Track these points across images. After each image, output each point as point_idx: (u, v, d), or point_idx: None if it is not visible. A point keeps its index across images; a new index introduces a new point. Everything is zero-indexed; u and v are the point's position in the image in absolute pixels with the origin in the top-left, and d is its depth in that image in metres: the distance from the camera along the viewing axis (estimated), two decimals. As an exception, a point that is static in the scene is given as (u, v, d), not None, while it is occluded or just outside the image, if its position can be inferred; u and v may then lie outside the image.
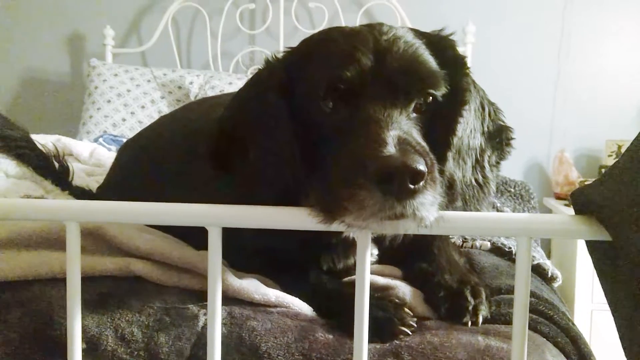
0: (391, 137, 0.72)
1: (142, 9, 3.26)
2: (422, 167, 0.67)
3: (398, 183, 0.66)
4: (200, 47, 3.21)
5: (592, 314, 2.40)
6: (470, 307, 0.91)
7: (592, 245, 0.70)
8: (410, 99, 0.82)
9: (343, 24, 3.00)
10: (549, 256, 2.85)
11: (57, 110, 3.32)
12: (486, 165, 0.92)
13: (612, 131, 2.92)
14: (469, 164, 0.89)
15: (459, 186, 0.86)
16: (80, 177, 1.63)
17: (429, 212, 0.69)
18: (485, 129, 0.93)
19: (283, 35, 3.07)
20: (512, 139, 0.97)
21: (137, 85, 2.89)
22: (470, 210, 0.88)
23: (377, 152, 0.69)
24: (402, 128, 0.77)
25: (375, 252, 1.08)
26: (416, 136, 0.79)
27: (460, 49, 3.02)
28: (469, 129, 0.89)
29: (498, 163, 0.96)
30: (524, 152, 3.04)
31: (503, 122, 0.98)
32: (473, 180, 0.89)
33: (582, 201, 0.68)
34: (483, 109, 0.93)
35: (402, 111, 0.80)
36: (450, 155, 0.85)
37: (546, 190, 3.06)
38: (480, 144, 0.92)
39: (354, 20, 3.03)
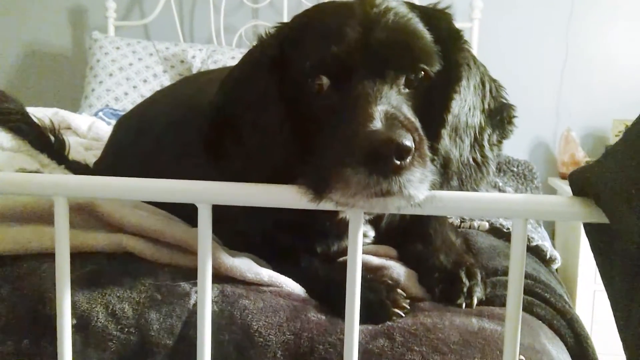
0: (378, 112, 0.70)
1: (144, -19, 3.22)
2: (408, 142, 0.64)
3: (383, 159, 0.64)
4: (203, 21, 3.17)
5: (594, 294, 2.39)
6: (465, 289, 0.89)
7: (589, 226, 0.68)
8: (401, 74, 0.79)
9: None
10: (552, 236, 2.84)
11: (59, 84, 3.30)
12: (486, 144, 0.89)
13: (620, 110, 2.88)
14: (467, 143, 0.86)
15: (455, 165, 0.84)
16: (77, 151, 1.62)
17: (417, 190, 0.67)
18: (486, 106, 0.90)
19: (287, 8, 3.03)
20: (514, 117, 0.93)
21: (139, 58, 2.87)
22: (467, 190, 0.85)
23: (363, 127, 0.67)
24: (390, 103, 0.74)
25: (372, 234, 1.06)
26: (406, 111, 0.76)
27: (467, 25, 2.98)
28: (466, 106, 0.86)
29: (500, 142, 0.92)
30: (530, 130, 3.01)
31: (505, 99, 0.94)
32: (471, 160, 0.86)
33: (580, 182, 0.66)
34: (483, 86, 0.90)
35: (393, 86, 0.78)
36: (445, 132, 0.82)
37: (552, 170, 3.03)
38: (480, 122, 0.88)
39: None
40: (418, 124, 0.76)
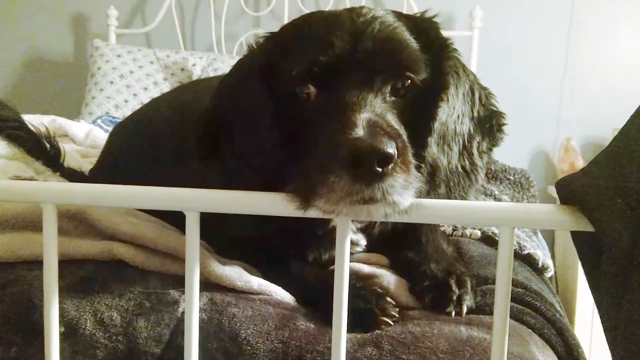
0: (361, 119, 0.70)
1: (146, -11, 3.24)
2: (390, 149, 0.65)
3: (365, 165, 0.64)
4: (204, 29, 3.19)
5: (594, 303, 2.37)
6: (455, 297, 0.89)
7: (576, 235, 0.68)
8: (387, 82, 0.80)
9: (348, 7, 2.98)
10: (552, 245, 2.83)
11: (60, 91, 3.31)
12: (475, 151, 0.89)
13: (620, 119, 2.84)
14: (456, 150, 0.86)
15: (443, 173, 0.84)
16: (74, 158, 1.62)
17: (401, 197, 0.67)
18: (475, 114, 0.90)
19: (287, 17, 3.04)
20: (504, 124, 0.94)
21: (140, 66, 2.88)
22: (455, 198, 0.86)
23: (345, 135, 0.67)
24: (374, 111, 0.75)
25: (363, 242, 1.06)
26: (390, 119, 0.76)
27: (467, 33, 2.99)
28: (455, 114, 0.86)
29: (489, 149, 0.93)
30: (530, 139, 3.01)
31: (495, 107, 0.95)
32: (459, 167, 0.87)
33: (566, 191, 0.66)
34: (473, 93, 0.90)
35: (378, 94, 0.78)
36: (431, 140, 0.83)
37: (551, 179, 3.02)
38: (469, 130, 0.89)
39: (360, 2, 2.99)
40: (402, 131, 0.76)
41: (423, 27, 0.87)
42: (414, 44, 0.83)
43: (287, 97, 0.83)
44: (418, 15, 0.91)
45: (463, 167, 0.87)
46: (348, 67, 0.78)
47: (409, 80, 0.82)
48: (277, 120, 0.84)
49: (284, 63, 0.83)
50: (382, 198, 0.66)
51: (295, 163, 0.79)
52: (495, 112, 0.94)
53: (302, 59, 0.80)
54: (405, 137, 0.75)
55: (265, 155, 0.84)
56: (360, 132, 0.68)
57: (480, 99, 0.92)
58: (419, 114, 0.82)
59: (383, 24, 0.82)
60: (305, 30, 0.85)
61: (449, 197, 0.85)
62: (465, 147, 0.88)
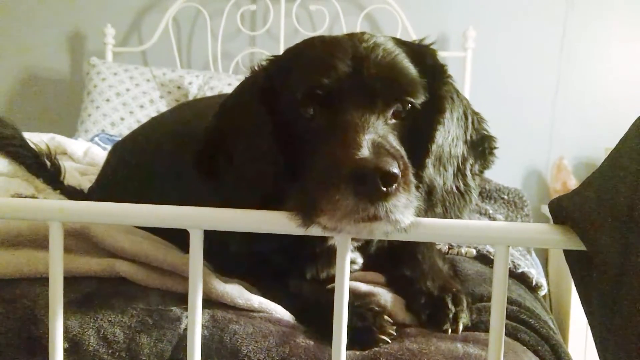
0: (366, 140, 0.73)
1: (143, 8, 3.27)
2: (394, 169, 0.67)
3: (370, 185, 0.67)
4: (201, 48, 3.22)
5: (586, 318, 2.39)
6: (451, 315, 0.91)
7: (568, 253, 0.70)
8: (388, 105, 0.83)
9: (344, 27, 3.03)
10: (546, 263, 2.85)
11: (57, 109, 3.33)
12: (468, 173, 0.93)
13: (612, 139, 2.88)
14: (450, 172, 0.90)
15: (439, 193, 0.87)
16: (73, 176, 1.63)
17: (403, 215, 0.69)
18: (468, 137, 0.94)
19: (284, 37, 3.08)
20: (495, 148, 0.98)
21: (136, 84, 2.90)
22: (451, 217, 0.88)
23: (351, 154, 0.70)
24: (378, 132, 0.77)
25: (360, 260, 1.08)
26: (392, 140, 0.79)
27: (461, 54, 3.04)
28: (450, 137, 0.89)
29: (481, 172, 0.97)
30: (522, 158, 3.04)
31: (487, 131, 0.99)
32: (454, 188, 0.90)
33: (559, 211, 0.69)
34: (466, 118, 0.94)
35: (380, 117, 0.81)
36: (429, 162, 0.86)
37: (544, 198, 3.05)
38: (463, 152, 0.92)
39: (355, 23, 3.04)
40: (403, 152, 0.79)
41: (421, 53, 0.91)
42: (413, 70, 0.87)
43: (288, 117, 0.86)
44: (416, 42, 0.95)
45: (457, 188, 0.91)
46: (351, 90, 0.81)
47: (409, 105, 0.85)
48: (276, 142, 0.86)
49: (287, 84, 0.86)
50: (385, 216, 0.68)
51: (293, 183, 0.81)
52: (487, 136, 0.98)
53: (306, 80, 0.83)
54: (405, 158, 0.77)
55: (263, 177, 0.87)
56: (365, 152, 0.70)
57: (473, 123, 0.96)
58: (416, 135, 0.86)
59: (385, 51, 0.85)
60: (308, 53, 0.88)
61: (445, 217, 0.87)
62: (460, 168, 0.92)
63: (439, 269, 1.03)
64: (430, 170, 0.86)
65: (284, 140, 0.86)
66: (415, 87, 0.85)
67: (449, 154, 0.89)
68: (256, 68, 0.94)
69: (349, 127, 0.77)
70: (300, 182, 0.80)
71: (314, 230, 0.72)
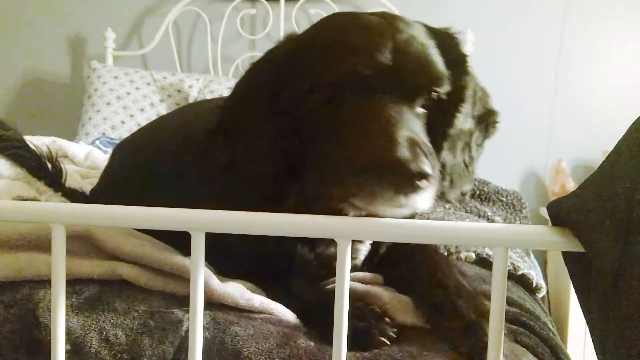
0: (403, 137, 0.76)
1: (143, 12, 3.28)
2: (429, 170, 0.72)
3: (407, 182, 0.72)
4: (201, 51, 3.23)
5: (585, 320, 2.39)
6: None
7: (567, 256, 0.71)
8: (419, 97, 0.85)
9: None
10: (544, 265, 2.86)
11: (57, 112, 3.34)
12: (473, 145, 0.97)
13: (610, 142, 2.90)
14: (460, 147, 0.94)
15: (450, 168, 0.92)
16: (74, 179, 1.64)
17: (424, 204, 0.76)
18: (476, 113, 0.97)
19: (283, 40, 3.08)
20: (497, 122, 1.01)
21: (136, 88, 2.91)
22: (455, 190, 0.93)
23: (390, 150, 0.73)
24: (412, 129, 0.79)
25: (364, 249, 1.09)
26: (423, 136, 0.82)
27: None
28: (465, 122, 0.94)
29: (483, 142, 1.01)
30: (521, 161, 3.05)
31: (490, 106, 1.01)
32: (461, 161, 0.94)
33: (558, 212, 0.69)
34: (475, 94, 0.97)
35: (412, 109, 0.84)
36: (446, 145, 0.91)
37: (543, 200, 3.06)
38: (470, 128, 0.96)
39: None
40: (428, 143, 0.81)
41: (447, 43, 0.93)
42: (442, 62, 0.88)
43: (306, 105, 0.86)
44: (443, 30, 0.96)
45: (464, 161, 0.95)
46: (389, 82, 0.82)
47: (437, 95, 0.87)
48: (277, 140, 0.88)
49: (309, 69, 0.86)
50: (412, 207, 0.76)
51: (293, 183, 0.83)
52: (491, 111, 1.01)
53: (336, 65, 0.83)
54: (432, 149, 0.80)
55: (266, 172, 0.89)
56: (405, 152, 0.73)
57: (480, 99, 0.98)
58: (437, 121, 0.89)
59: (423, 46, 0.87)
60: (339, 36, 0.87)
61: (450, 189, 0.92)
62: (467, 142, 0.95)
63: (458, 280, 0.94)
64: (445, 153, 0.91)
65: (288, 133, 0.87)
66: (444, 80, 0.87)
67: (461, 133, 0.93)
68: (271, 52, 0.99)
69: (386, 119, 0.79)
70: (304, 177, 0.84)
71: (316, 232, 0.73)
